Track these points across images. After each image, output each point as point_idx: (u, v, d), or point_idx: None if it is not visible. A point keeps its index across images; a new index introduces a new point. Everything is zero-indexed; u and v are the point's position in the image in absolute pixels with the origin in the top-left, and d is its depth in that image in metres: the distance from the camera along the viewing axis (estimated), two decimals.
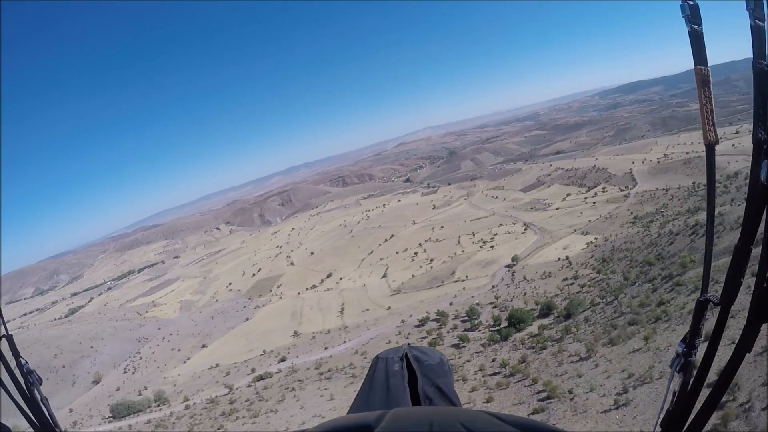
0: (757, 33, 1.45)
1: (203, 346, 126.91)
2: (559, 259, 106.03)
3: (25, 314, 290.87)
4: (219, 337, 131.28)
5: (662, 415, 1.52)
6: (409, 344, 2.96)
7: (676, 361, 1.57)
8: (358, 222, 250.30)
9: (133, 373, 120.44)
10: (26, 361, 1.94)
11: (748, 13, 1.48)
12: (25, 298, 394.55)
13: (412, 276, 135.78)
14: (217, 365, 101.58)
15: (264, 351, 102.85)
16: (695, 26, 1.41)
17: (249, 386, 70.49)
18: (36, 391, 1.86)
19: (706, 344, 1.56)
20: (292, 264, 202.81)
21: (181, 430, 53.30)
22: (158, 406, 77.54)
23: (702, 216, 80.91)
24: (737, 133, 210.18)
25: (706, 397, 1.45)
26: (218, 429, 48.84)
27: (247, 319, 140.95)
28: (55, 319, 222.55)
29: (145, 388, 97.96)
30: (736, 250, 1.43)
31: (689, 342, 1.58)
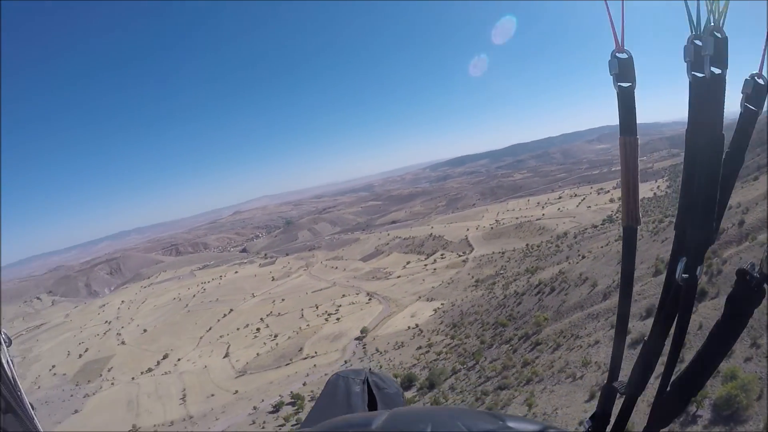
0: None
1: None
2: (409, 327, 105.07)
3: None
4: None
5: None
6: (370, 369, 2.96)
7: None
8: (194, 295, 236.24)
9: None
10: None
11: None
12: None
13: (257, 354, 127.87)
14: None
15: None
16: (624, 84, 1.21)
17: None
18: (3, 351, 1.92)
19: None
20: (123, 343, 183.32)
21: None
22: None
23: (544, 274, 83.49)
24: (560, 198, 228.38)
25: None
26: None
27: (76, 411, 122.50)
28: None
29: None
30: (646, 346, 1.37)
31: (596, 426, 1.51)
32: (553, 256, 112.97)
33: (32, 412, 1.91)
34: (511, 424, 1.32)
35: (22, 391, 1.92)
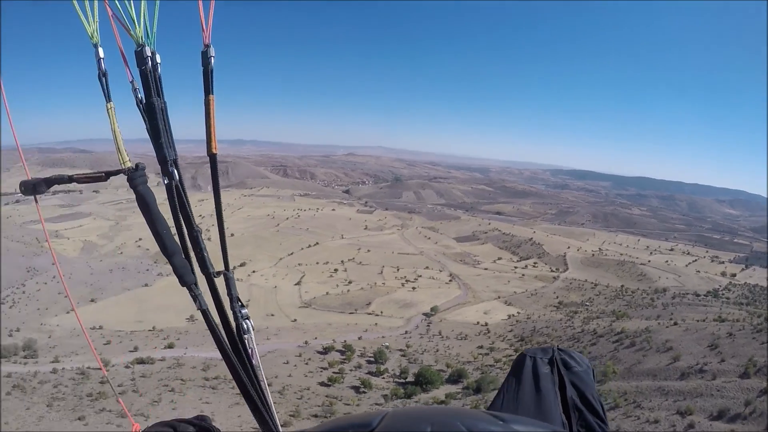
0: None
1: (92, 300, 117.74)
2: (478, 323, 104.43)
3: None
4: (111, 296, 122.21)
5: None
6: (558, 346, 2.87)
7: None
8: (287, 218, 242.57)
9: (11, 307, 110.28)
10: (243, 305, 1.91)
11: None
12: None
13: (327, 293, 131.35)
14: (101, 328, 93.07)
15: (153, 328, 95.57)
16: None
17: (127, 367, 62.34)
18: (247, 340, 1.85)
19: None
20: (208, 239, 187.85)
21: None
22: (25, 358, 69.52)
23: (629, 324, 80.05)
24: (672, 250, 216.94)
25: None
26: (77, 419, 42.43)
27: (146, 285, 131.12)
28: None
29: (18, 330, 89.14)
30: None
31: None
32: (645, 308, 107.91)
33: (273, 408, 1.80)
34: (513, 425, 1.31)
35: (265, 382, 1.84)
